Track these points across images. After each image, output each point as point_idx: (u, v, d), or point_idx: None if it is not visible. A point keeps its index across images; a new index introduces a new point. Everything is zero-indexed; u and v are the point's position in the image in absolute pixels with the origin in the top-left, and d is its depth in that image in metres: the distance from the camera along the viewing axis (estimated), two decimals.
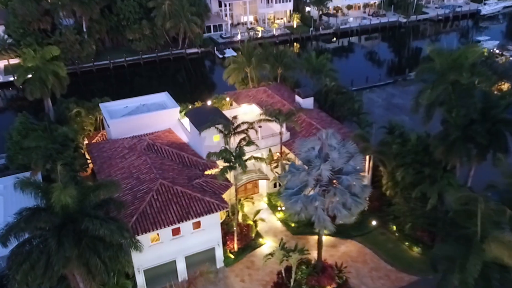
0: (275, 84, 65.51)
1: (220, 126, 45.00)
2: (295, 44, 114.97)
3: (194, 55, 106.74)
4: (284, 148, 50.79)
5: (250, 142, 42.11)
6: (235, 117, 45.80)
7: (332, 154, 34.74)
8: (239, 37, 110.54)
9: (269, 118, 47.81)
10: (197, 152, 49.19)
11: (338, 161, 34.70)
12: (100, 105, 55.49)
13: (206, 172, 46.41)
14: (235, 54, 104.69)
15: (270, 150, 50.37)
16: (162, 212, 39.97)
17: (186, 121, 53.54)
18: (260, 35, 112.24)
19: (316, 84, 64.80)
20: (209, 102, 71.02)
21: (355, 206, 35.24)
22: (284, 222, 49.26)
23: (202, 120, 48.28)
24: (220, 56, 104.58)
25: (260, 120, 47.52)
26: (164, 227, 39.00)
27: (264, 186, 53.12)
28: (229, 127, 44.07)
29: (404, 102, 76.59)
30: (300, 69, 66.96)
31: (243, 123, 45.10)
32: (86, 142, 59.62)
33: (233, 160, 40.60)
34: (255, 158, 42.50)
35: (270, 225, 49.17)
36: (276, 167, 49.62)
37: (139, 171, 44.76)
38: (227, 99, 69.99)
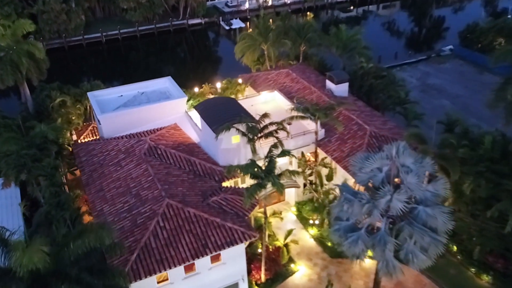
0: (298, 64, 55.42)
1: (242, 127, 35.39)
2: (308, 13, 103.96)
3: (196, 26, 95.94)
4: (318, 150, 41.17)
5: (285, 152, 32.45)
6: (264, 115, 36.08)
7: (408, 178, 25.25)
8: (246, 5, 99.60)
9: (303, 115, 38.08)
10: (210, 155, 39.67)
11: (416, 189, 25.22)
12: (89, 94, 45.54)
13: (224, 184, 37.03)
14: (242, 25, 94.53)
15: (302, 154, 40.78)
16: (170, 245, 30.78)
17: (195, 114, 43.92)
18: (270, 3, 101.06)
19: (346, 65, 54.80)
20: (218, 85, 61.25)
21: (434, 246, 25.95)
22: (319, 240, 40.18)
23: (216, 116, 38.61)
24: (226, 27, 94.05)
25: (291, 118, 37.80)
26: (174, 266, 29.88)
27: (292, 193, 43.76)
28: (255, 130, 34.45)
29: (442, 83, 66.95)
30: (327, 46, 56.67)
31: (271, 124, 35.46)
32: (74, 136, 50.08)
33: (263, 176, 31.05)
34: (291, 172, 32.87)
35: (301, 243, 40.01)
36: (310, 175, 40.13)
37: (139, 185, 35.33)
38: (240, 80, 60.10)
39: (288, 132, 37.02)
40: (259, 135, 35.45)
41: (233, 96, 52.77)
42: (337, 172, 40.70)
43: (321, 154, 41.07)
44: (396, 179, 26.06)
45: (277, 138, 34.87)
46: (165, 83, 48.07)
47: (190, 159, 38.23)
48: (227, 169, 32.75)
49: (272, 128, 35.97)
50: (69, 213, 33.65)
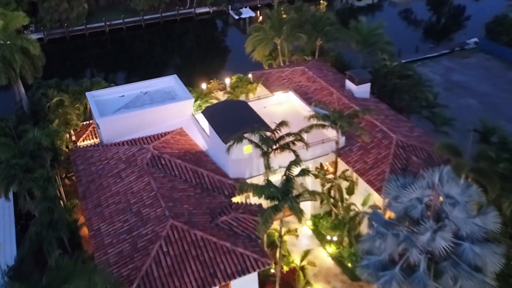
0: (314, 61, 51.46)
1: (255, 137, 31.75)
2: (321, 1, 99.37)
3: (204, 15, 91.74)
4: (338, 160, 37.41)
5: (305, 171, 28.79)
6: (281, 124, 32.38)
7: (453, 212, 21.56)
8: None
9: (324, 123, 34.32)
10: (219, 165, 36.11)
11: (463, 224, 21.53)
12: (87, 94, 41.92)
13: (234, 199, 33.51)
14: (253, 14, 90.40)
15: (321, 166, 37.11)
16: (174, 273, 27.43)
17: (203, 117, 40.33)
18: None
19: (366, 62, 50.77)
20: (227, 81, 57.49)
21: None
22: (338, 260, 36.62)
23: (226, 123, 35.03)
24: (236, 16, 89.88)
25: (310, 127, 34.05)
26: None
27: (307, 205, 40.04)
28: (270, 141, 30.79)
29: (467, 80, 62.76)
30: (346, 40, 52.59)
31: (288, 134, 31.76)
32: (73, 137, 46.76)
33: (280, 198, 27.43)
34: (311, 193, 29.21)
35: (318, 262, 36.44)
36: (330, 188, 36.46)
37: (141, 201, 31.89)
38: (250, 75, 56.32)
39: (306, 144, 33.24)
40: (274, 147, 31.76)
41: (243, 96, 49.08)
42: (358, 183, 37.04)
43: (341, 164, 37.33)
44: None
45: (294, 151, 31.18)
46: (170, 81, 44.37)
47: (197, 171, 34.68)
48: (239, 187, 29.20)
49: (288, 139, 32.23)
50: (62, 233, 30.39)
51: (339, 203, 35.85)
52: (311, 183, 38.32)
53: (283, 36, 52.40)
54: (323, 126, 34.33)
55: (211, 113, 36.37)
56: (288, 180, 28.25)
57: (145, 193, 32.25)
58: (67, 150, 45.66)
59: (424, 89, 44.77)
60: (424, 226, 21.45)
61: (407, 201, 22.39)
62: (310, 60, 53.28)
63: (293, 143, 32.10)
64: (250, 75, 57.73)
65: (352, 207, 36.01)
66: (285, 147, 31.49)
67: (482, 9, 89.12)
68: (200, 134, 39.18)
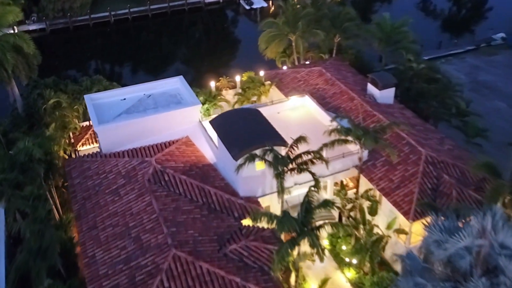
0: (332, 60, 47.60)
1: (269, 156, 28.21)
2: None
3: (214, 5, 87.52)
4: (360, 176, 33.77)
5: (328, 203, 25.25)
6: (299, 140, 28.81)
7: (510, 266, 17.94)
8: None
9: (348, 139, 30.64)
10: (229, 181, 32.68)
11: None
12: (86, 97, 38.49)
13: (244, 222, 30.11)
14: (265, 4, 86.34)
15: (342, 185, 33.55)
16: None
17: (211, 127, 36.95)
18: None
19: (389, 61, 46.91)
20: (237, 79, 53.90)
21: None
22: (358, 286, 33.21)
23: (237, 136, 31.52)
24: (247, 6, 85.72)
25: (332, 143, 30.39)
26: None
27: None
28: (285, 161, 27.25)
29: (495, 80, 58.57)
30: (367, 38, 48.68)
31: (306, 153, 28.18)
32: (72, 139, 43.55)
33: (298, 231, 23.95)
34: (335, 225, 25.74)
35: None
36: (351, 210, 32.92)
37: (140, 225, 28.61)
38: (262, 73, 52.67)
39: (327, 163, 29.62)
40: (290, 166, 28.22)
41: (255, 98, 45.43)
42: (382, 202, 33.47)
43: (363, 180, 33.68)
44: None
45: (313, 174, 27.64)
46: (176, 83, 40.78)
47: (204, 188, 31.27)
48: (252, 216, 25.68)
49: (306, 157, 28.66)
50: (53, 261, 27.21)
51: (361, 226, 32.28)
52: (328, 197, 34.76)
53: (298, 32, 48.61)
54: (346, 141, 30.61)
55: (220, 124, 32.81)
56: (308, 211, 24.70)
57: (146, 215, 28.93)
58: (65, 155, 42.64)
59: (453, 94, 40.84)
60: (475, 283, 17.88)
61: (452, 249, 18.81)
62: (327, 59, 49.48)
63: (312, 162, 28.48)
64: (262, 73, 54.19)
65: (375, 229, 32.50)
66: (303, 168, 27.89)
67: (505, 1, 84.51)
68: (208, 144, 35.69)
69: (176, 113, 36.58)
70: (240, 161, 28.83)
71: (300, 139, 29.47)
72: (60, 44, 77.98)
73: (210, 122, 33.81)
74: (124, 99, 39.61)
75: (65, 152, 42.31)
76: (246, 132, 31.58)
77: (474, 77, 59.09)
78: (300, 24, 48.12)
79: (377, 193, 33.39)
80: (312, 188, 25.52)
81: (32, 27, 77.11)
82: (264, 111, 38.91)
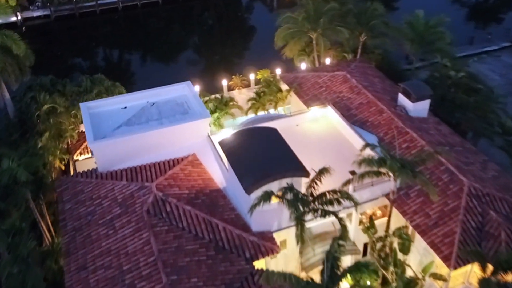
0: (357, 62, 42.49)
1: (288, 194, 23.69)
2: None
3: None
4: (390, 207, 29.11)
5: (362, 267, 20.77)
6: (322, 171, 24.27)
7: None
8: None
9: (381, 171, 25.93)
10: (240, 211, 28.28)
11: None
12: (82, 106, 34.01)
13: (257, 264, 25.77)
14: None
15: (371, 219, 28.97)
16: None
17: (221, 137, 32.54)
18: None
19: (420, 64, 41.84)
20: (251, 77, 49.38)
21: None
22: None
23: (250, 162, 26.99)
24: None
25: (361, 176, 25.72)
26: None
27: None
28: (306, 202, 22.72)
29: None
30: (395, 37, 43.53)
31: (331, 192, 23.60)
32: (70, 145, 39.47)
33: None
34: (359, 269, 21.25)
35: None
36: (382, 248, 28.32)
37: (136, 269, 24.41)
38: (278, 71, 48.06)
39: (356, 204, 24.98)
40: (312, 206, 23.68)
41: (272, 107, 40.71)
42: (415, 237, 28.87)
43: (394, 212, 29.07)
44: None
45: (339, 220, 23.11)
46: (183, 89, 36.16)
47: (211, 222, 26.90)
48: (264, 278, 21.19)
49: (332, 195, 24.08)
50: None
51: (391, 267, 27.77)
52: (354, 229, 30.34)
53: (320, 29, 43.54)
54: (378, 173, 25.91)
55: (231, 146, 28.21)
56: (334, 265, 20.26)
57: (143, 257, 24.71)
58: (61, 165, 38.56)
59: (496, 107, 35.76)
60: None
61: None
62: (351, 59, 44.45)
63: (338, 202, 23.91)
64: (278, 72, 49.42)
65: (407, 270, 28.00)
66: (328, 211, 23.34)
67: None
68: (217, 163, 31.19)
69: (182, 127, 32.06)
70: (254, 198, 24.36)
71: (324, 171, 24.87)
72: (65, 32, 73.70)
73: (220, 143, 29.21)
74: (125, 107, 35.18)
75: (61, 161, 38.34)
76: (261, 158, 27.01)
77: (511, 78, 53.60)
78: (322, 20, 43.06)
79: (410, 227, 28.79)
80: (339, 243, 20.95)
81: (36, 13, 72.86)
82: (281, 123, 34.65)
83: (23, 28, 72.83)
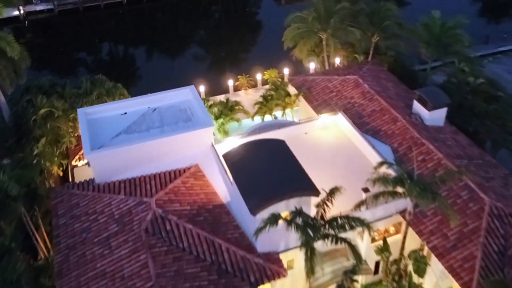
0: (369, 65, 40.17)
1: (298, 218, 21.71)
2: None
3: None
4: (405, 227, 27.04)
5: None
6: (334, 191, 22.28)
7: None
8: None
9: (398, 191, 23.86)
10: (244, 229, 26.34)
11: None
12: (79, 112, 32.05)
13: None
14: None
15: (385, 243, 26.94)
16: None
17: (225, 147, 30.67)
18: None
19: (437, 70, 39.51)
20: (258, 77, 47.44)
21: None
22: None
23: (256, 179, 24.96)
24: None
25: (375, 197, 23.67)
26: None
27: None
28: (318, 227, 20.74)
29: None
30: (410, 38, 41.19)
31: (345, 218, 21.57)
32: (68, 149, 37.69)
33: None
34: None
35: None
36: (397, 271, 26.29)
37: None
38: (286, 71, 46.22)
39: (370, 229, 22.92)
40: (323, 231, 21.66)
41: (280, 112, 38.62)
42: (431, 258, 26.85)
43: (409, 231, 27.00)
44: None
45: (352, 248, 21.10)
46: (187, 95, 34.12)
47: (214, 242, 25.00)
48: None
49: (345, 221, 22.04)
50: None
51: None
52: (365, 247, 28.33)
53: (331, 30, 41.26)
54: (394, 193, 23.84)
55: (236, 161, 26.21)
56: None
57: (140, 282, 22.86)
58: (59, 171, 36.80)
59: None
60: None
61: None
62: (362, 61, 42.17)
63: (351, 227, 21.87)
64: (286, 72, 47.37)
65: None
66: (340, 239, 21.32)
67: None
68: (221, 175, 29.21)
69: (185, 136, 30.04)
70: (260, 219, 22.37)
71: (335, 191, 22.84)
72: (69, 26, 71.55)
73: (224, 157, 27.20)
74: (125, 113, 33.21)
75: (60, 167, 36.59)
76: (268, 175, 25.00)
77: None
78: (332, 20, 40.78)
79: (425, 248, 26.77)
80: (351, 277, 18.95)
81: (39, 7, 70.86)
82: (289, 131, 32.67)
83: (26, 22, 71.01)
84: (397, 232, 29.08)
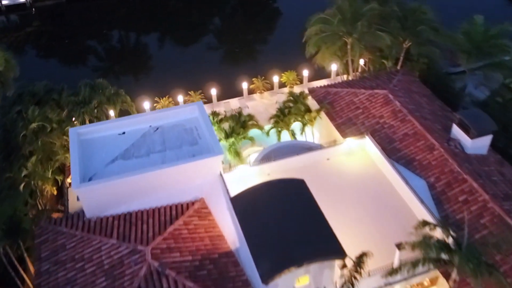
0: (400, 76, 34.95)
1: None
2: None
3: None
4: None
5: None
6: (362, 257, 17.80)
7: None
8: None
9: (443, 259, 19.21)
10: (254, 284, 21.94)
11: None
12: (70, 132, 27.57)
13: None
14: None
15: None
16: None
17: (234, 177, 26.36)
18: None
19: (477, 83, 34.29)
20: (275, 80, 43.03)
21: None
22: None
23: (269, 235, 20.45)
24: None
25: (413, 265, 19.05)
26: None
27: None
28: None
29: None
30: (447, 45, 35.93)
31: None
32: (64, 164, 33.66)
33: None
34: None
35: None
36: None
37: None
38: (305, 73, 41.46)
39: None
40: None
41: (298, 125, 33.78)
42: None
43: None
44: None
45: None
46: (193, 112, 29.49)
47: None
48: None
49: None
50: None
51: None
52: None
53: (357, 34, 36.09)
54: (437, 261, 19.20)
55: (246, 210, 21.66)
56: None
57: None
58: (53, 189, 32.81)
59: None
60: None
61: None
62: (391, 68, 37.10)
63: None
64: (305, 74, 42.54)
65: None
66: None
67: None
68: (229, 212, 24.74)
69: (190, 166, 25.56)
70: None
71: (364, 256, 18.30)
72: (78, 14, 66.94)
73: (233, 202, 22.68)
74: (124, 133, 28.75)
75: (54, 185, 32.63)
76: (284, 230, 20.49)
77: None
78: (360, 23, 35.57)
79: None
80: None
81: None
82: (310, 157, 28.06)
83: (33, 9, 66.66)
84: (432, 284, 24.58)
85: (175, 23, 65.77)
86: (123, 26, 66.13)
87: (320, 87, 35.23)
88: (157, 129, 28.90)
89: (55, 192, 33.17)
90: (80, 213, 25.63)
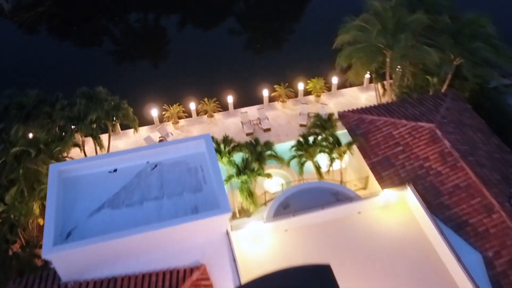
0: (449, 101, 28.52)
1: None
2: None
3: None
4: None
5: None
6: None
7: None
8: None
9: None
10: None
11: None
12: (51, 168, 22.30)
13: None
14: None
15: None
16: None
17: (244, 236, 21.12)
18: None
19: None
20: (300, 86, 37.50)
21: None
22: None
23: None
24: None
25: None
26: None
27: None
28: None
29: None
30: (505, 68, 29.47)
31: None
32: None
33: None
34: None
35: None
36: None
37: None
38: (334, 81, 36.05)
39: None
40: None
41: (324, 157, 27.94)
42: None
43: None
44: None
45: None
46: (199, 146, 23.82)
47: None
48: None
49: None
50: None
51: None
52: None
53: (399, 48, 29.72)
54: None
55: None
56: None
57: None
58: (41, 220, 28.13)
59: None
60: None
61: None
62: (436, 87, 30.84)
63: None
64: (335, 81, 36.85)
65: None
66: None
67: None
68: (233, 279, 19.57)
69: (189, 226, 20.21)
70: None
71: None
72: (84, 3, 61.54)
73: None
74: (115, 170, 23.42)
75: (41, 214, 27.82)
76: None
77: None
78: (403, 36, 29.16)
79: None
80: None
81: None
82: (338, 211, 22.51)
83: None
84: None
85: (196, 6, 60.13)
86: (141, 7, 60.89)
87: (353, 111, 29.08)
88: (156, 166, 23.52)
89: (42, 222, 28.39)
90: (55, 279, 20.68)
